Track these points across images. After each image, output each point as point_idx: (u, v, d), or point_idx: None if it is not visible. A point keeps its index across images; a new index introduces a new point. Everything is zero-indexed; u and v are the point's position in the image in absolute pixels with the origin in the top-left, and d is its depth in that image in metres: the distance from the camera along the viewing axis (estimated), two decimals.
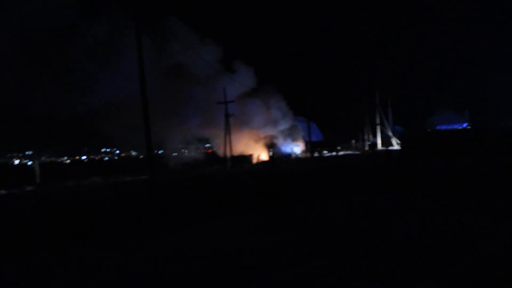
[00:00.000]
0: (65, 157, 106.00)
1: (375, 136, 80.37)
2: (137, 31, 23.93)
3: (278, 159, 49.53)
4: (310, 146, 62.07)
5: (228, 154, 55.20)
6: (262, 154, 69.42)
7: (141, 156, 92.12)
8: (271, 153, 61.81)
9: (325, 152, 73.75)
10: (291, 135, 73.62)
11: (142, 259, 8.96)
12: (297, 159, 62.86)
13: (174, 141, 63.21)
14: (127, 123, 52.40)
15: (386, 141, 76.17)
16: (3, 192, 35.19)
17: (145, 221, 14.09)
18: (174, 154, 74.09)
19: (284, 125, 70.30)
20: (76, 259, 9.54)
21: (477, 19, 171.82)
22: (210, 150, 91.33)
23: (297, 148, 74.70)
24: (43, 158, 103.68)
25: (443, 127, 73.85)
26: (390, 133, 79.04)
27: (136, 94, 45.75)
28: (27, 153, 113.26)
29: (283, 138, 72.19)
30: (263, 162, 61.49)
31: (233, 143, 54.21)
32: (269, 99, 66.54)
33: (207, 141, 77.16)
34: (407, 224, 10.41)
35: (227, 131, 52.83)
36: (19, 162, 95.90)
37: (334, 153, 66.55)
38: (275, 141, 71.51)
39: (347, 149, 79.59)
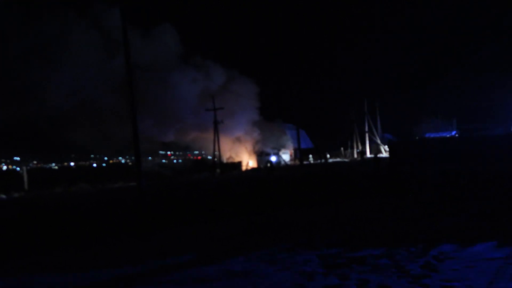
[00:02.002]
0: (53, 163, 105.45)
1: (364, 143, 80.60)
2: (124, 34, 23.81)
3: (271, 165, 49.36)
4: (299, 153, 62.07)
5: (217, 160, 55.20)
6: (250, 162, 69.39)
7: (130, 163, 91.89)
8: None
9: (311, 159, 73.86)
10: (279, 142, 73.61)
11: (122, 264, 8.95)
12: (286, 166, 62.84)
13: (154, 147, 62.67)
14: (95, 128, 51.64)
15: (375, 149, 76.36)
16: None
17: (131, 228, 14.07)
18: (163, 161, 74.04)
19: (267, 129, 70.08)
20: (61, 263, 9.53)
21: (465, 28, 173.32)
22: (199, 157, 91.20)
23: (285, 155, 74.69)
24: (31, 164, 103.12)
25: (432, 135, 74.21)
26: (379, 141, 79.32)
27: (92, 98, 44.26)
28: (15, 158, 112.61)
29: (271, 145, 72.15)
30: (253, 169, 61.44)
31: (214, 148, 53.92)
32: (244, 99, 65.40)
33: (187, 148, 76.94)
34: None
35: (216, 138, 52.80)
36: (7, 168, 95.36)
37: (323, 161, 66.61)
38: (263, 148, 71.44)
39: (336, 157, 79.72)
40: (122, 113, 48.71)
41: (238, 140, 68.60)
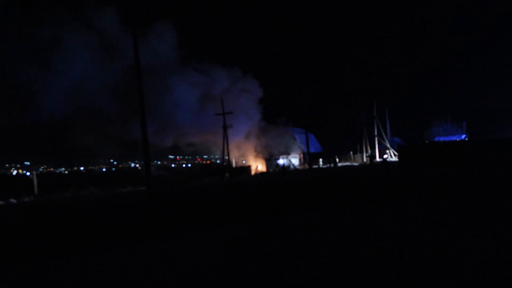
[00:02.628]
0: (63, 168, 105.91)
1: (373, 147, 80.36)
2: (134, 40, 23.95)
3: (284, 169, 49.18)
4: (309, 157, 62.00)
5: (226, 164, 55.16)
6: (259, 166, 69.40)
7: (139, 167, 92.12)
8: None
9: (321, 163, 73.72)
10: (288, 146, 73.59)
11: (133, 269, 8.98)
12: (295, 170, 62.71)
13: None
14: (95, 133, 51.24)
15: (384, 153, 76.13)
16: (0, 202, 35.15)
17: (141, 231, 14.12)
18: (172, 165, 74.06)
19: (276, 134, 70.10)
20: (71, 266, 9.59)
21: (474, 32, 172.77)
22: (208, 162, 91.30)
23: (295, 159, 74.64)
24: (40, 169, 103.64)
25: (441, 139, 73.97)
26: (388, 145, 79.05)
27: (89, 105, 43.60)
28: (25, 163, 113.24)
29: (280, 149, 72.15)
30: (262, 173, 61.37)
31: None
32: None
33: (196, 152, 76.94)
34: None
35: (225, 142, 52.76)
36: (17, 173, 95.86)
37: (332, 165, 66.37)
38: (272, 152, 71.52)
39: (346, 161, 79.54)
40: (124, 116, 48.61)
41: (246, 144, 68.68)
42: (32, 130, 53.08)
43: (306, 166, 66.94)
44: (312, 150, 64.56)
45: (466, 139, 72.07)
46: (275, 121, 72.26)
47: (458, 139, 70.50)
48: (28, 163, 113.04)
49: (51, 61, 46.27)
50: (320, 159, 74.98)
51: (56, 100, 45.72)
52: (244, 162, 72.76)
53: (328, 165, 69.10)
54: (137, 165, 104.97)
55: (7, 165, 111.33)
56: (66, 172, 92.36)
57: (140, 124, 24.69)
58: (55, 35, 46.85)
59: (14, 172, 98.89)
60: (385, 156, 47.22)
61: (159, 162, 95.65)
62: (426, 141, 71.11)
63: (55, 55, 46.43)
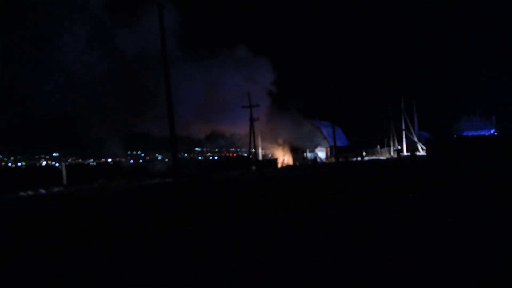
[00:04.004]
0: (91, 159, 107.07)
1: (400, 141, 79.76)
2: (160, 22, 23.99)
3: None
4: (335, 151, 61.61)
5: (252, 157, 55.19)
6: (286, 158, 69.40)
7: (166, 159, 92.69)
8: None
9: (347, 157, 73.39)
10: (315, 139, 73.45)
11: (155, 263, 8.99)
12: (322, 163, 62.52)
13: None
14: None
15: (412, 147, 75.35)
16: (30, 193, 35.73)
17: (166, 224, 14.20)
18: (199, 157, 74.24)
19: (303, 127, 69.82)
20: (95, 262, 9.65)
21: (504, 26, 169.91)
22: (235, 154, 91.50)
23: (321, 153, 74.47)
24: (69, 160, 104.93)
25: (470, 133, 73.03)
26: (416, 139, 78.36)
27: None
28: (54, 154, 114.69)
29: (307, 142, 72.04)
30: (288, 166, 61.36)
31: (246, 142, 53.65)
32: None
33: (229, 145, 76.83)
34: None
35: (252, 135, 52.77)
36: (46, 164, 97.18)
37: (359, 159, 65.93)
38: (298, 145, 71.46)
39: (373, 154, 79.06)
40: (130, 108, 47.84)
41: (272, 136, 68.63)
42: (49, 123, 51.71)
43: (333, 159, 66.71)
44: (338, 143, 63.99)
45: (496, 133, 70.92)
46: (304, 115, 71.75)
47: (487, 134, 69.47)
48: (57, 154, 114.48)
49: (45, 54, 44.32)
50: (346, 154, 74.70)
51: (56, 93, 44.25)
52: (270, 155, 72.81)
53: (355, 158, 68.69)
54: (164, 158, 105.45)
55: (36, 156, 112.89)
56: (95, 163, 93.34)
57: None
58: (52, 25, 44.84)
59: (44, 163, 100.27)
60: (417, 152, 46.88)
61: (186, 155, 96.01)
62: (455, 135, 70.23)
63: (50, 49, 44.46)
